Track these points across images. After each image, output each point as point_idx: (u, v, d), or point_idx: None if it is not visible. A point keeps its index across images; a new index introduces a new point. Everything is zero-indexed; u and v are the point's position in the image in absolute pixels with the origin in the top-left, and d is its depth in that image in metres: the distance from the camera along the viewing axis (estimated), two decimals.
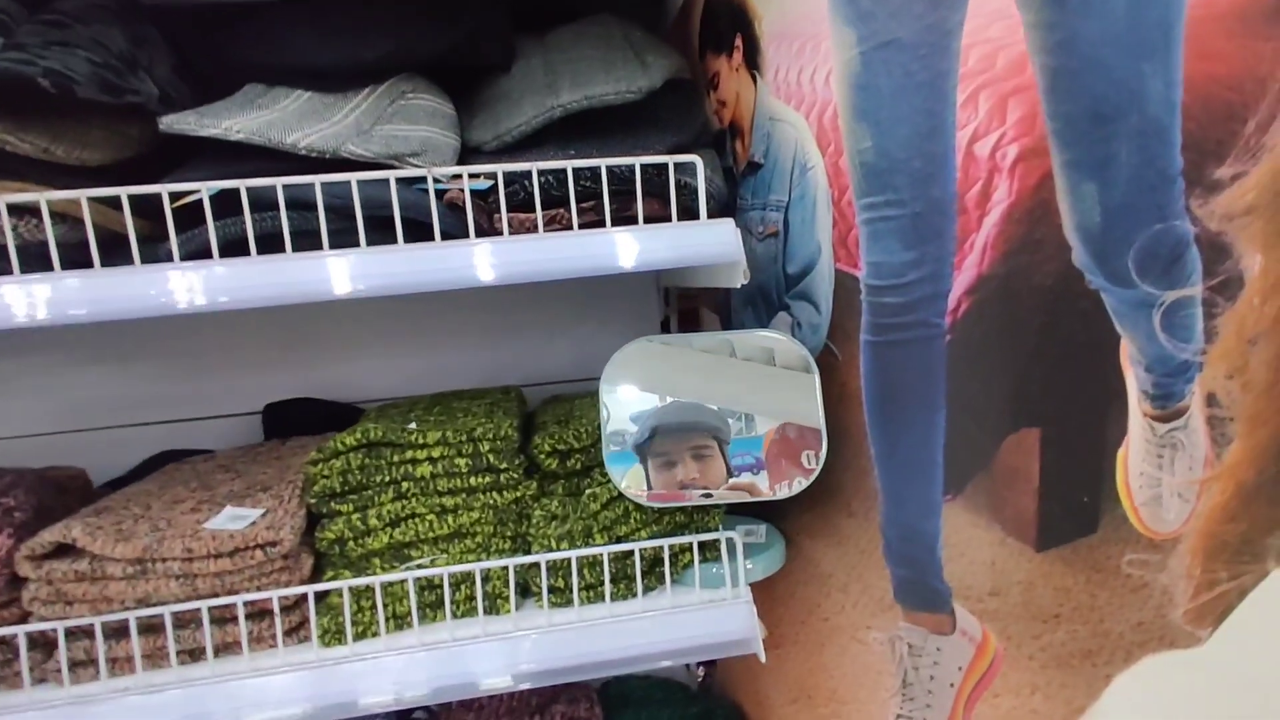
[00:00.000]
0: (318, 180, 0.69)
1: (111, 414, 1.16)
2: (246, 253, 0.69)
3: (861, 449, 0.82)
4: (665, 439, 0.78)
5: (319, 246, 0.70)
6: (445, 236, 0.72)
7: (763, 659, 0.84)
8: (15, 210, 0.69)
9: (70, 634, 0.76)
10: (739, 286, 0.76)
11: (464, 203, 0.73)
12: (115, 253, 0.70)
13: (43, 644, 0.77)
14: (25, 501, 0.80)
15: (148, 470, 1.05)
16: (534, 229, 0.74)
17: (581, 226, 0.73)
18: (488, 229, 0.76)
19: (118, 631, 0.76)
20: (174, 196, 0.70)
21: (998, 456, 0.60)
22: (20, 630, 0.74)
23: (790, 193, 0.83)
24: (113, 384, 1.16)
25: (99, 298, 0.65)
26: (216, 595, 0.77)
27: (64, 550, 0.76)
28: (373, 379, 1.23)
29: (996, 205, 0.58)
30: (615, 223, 0.73)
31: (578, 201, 0.73)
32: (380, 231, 0.72)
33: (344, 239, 0.71)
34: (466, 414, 0.90)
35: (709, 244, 0.72)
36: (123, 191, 0.67)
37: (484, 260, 0.71)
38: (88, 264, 0.67)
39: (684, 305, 1.36)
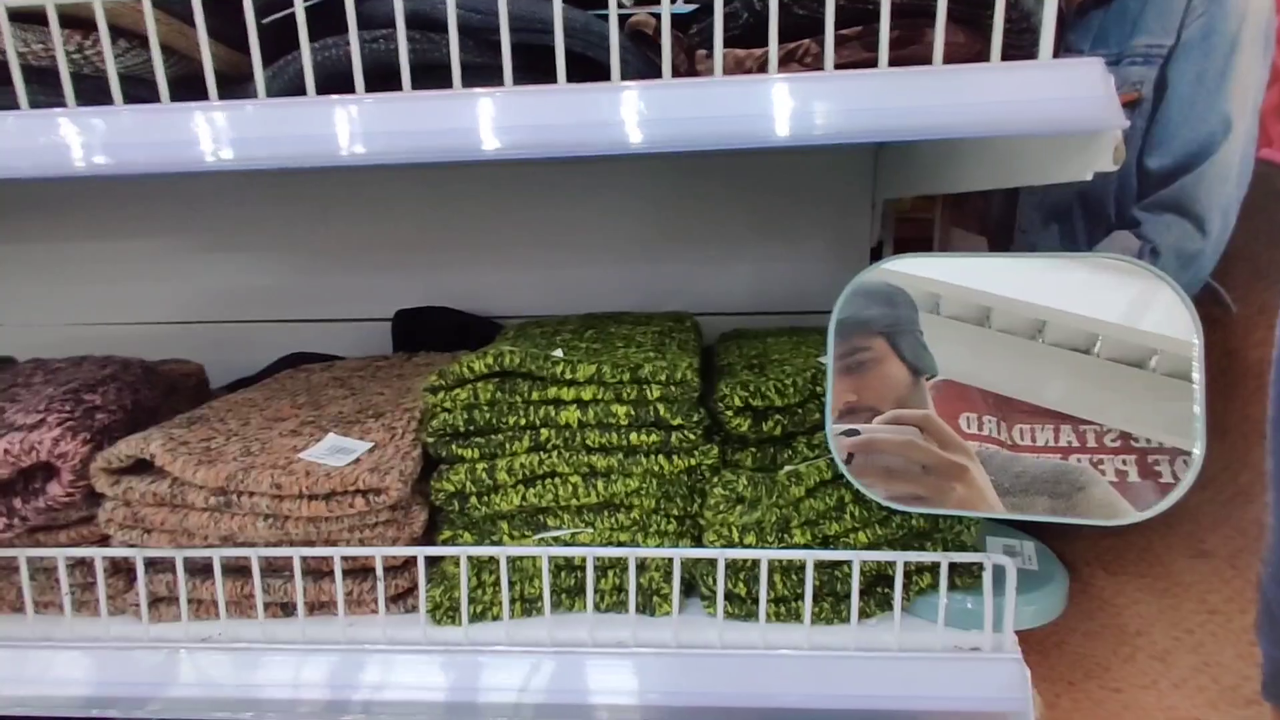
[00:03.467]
0: None
1: (238, 308, 1.05)
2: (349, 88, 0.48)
3: (1247, 459, 0.52)
4: (856, 332, 0.52)
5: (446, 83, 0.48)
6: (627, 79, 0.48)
7: None
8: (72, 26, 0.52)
9: (151, 565, 0.63)
10: (1089, 179, 0.46)
11: (654, 30, 0.48)
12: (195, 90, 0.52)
13: (125, 569, 0.65)
14: (115, 401, 0.67)
15: (275, 372, 0.93)
16: (756, 70, 0.47)
17: (839, 67, 0.46)
18: (685, 71, 0.51)
19: (204, 569, 0.63)
20: (263, 11, 0.50)
21: None
22: (97, 553, 0.62)
23: (1181, 31, 0.50)
24: (240, 275, 1.04)
25: (119, 143, 0.47)
26: (311, 542, 0.61)
27: (145, 466, 0.62)
28: (509, 292, 1.03)
29: None
30: (892, 64, 0.45)
31: (838, 25, 0.45)
32: (531, 72, 0.49)
33: (480, 76, 0.48)
34: (629, 344, 0.67)
35: (1060, 99, 0.42)
36: None
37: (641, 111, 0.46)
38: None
39: (903, 232, 1.05)
